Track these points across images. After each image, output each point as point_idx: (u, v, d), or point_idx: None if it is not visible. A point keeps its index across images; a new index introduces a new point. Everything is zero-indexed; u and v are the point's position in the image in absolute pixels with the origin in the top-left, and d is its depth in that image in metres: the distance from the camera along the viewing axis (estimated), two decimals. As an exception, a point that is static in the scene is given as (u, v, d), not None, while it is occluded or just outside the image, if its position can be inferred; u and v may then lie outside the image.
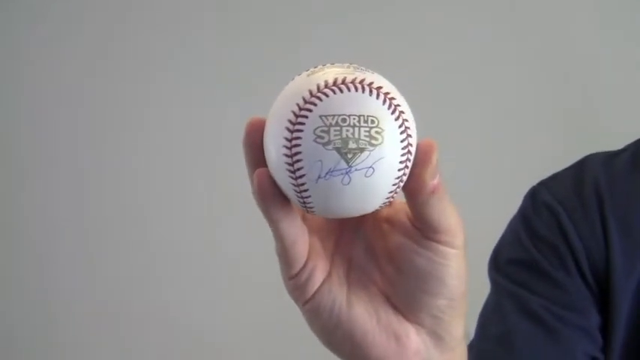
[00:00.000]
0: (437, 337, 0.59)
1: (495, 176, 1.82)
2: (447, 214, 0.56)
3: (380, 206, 0.55)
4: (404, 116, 0.54)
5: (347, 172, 0.53)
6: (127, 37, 1.97)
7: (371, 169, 0.53)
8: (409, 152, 0.54)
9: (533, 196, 0.98)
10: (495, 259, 0.99)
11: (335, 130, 0.52)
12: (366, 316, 0.58)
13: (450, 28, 1.86)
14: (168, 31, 1.95)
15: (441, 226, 0.56)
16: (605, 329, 0.92)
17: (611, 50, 1.79)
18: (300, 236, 0.57)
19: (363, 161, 0.52)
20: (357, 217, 0.57)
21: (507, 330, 0.93)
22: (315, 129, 0.52)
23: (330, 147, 0.52)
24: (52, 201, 2.01)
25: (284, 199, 0.55)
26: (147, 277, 1.98)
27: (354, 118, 0.52)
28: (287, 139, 0.53)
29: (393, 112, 0.53)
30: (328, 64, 0.55)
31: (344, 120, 0.52)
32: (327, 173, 0.53)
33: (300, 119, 0.53)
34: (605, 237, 0.93)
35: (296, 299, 0.59)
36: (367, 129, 0.52)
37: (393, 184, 0.54)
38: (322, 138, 0.52)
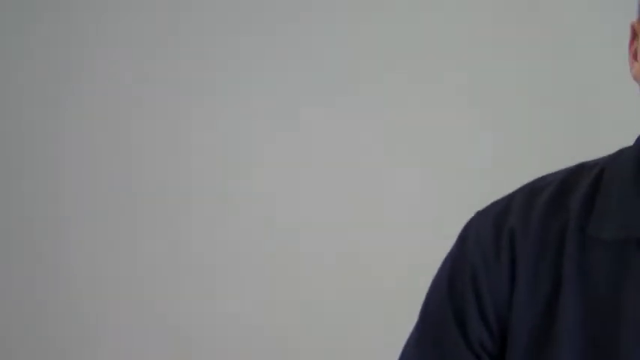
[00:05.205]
0: None
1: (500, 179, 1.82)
2: None
3: None
4: None
5: None
6: (124, 37, 1.98)
7: None
8: None
9: (466, 227, 0.98)
10: None
11: None
12: None
13: (449, 26, 1.87)
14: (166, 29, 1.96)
15: None
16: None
17: (607, 47, 1.79)
18: None
19: None
20: None
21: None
22: None
23: None
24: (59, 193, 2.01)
25: None
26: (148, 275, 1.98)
27: None
28: None
29: None
30: None
31: None
32: None
33: None
34: (512, 290, 0.91)
35: None
36: None
37: None
38: None
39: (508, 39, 1.84)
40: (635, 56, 0.95)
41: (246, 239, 1.92)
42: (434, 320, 0.96)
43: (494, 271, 0.92)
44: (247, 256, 1.92)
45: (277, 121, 1.92)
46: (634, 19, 0.99)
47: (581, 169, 0.97)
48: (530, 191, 0.96)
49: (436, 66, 1.86)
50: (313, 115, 1.91)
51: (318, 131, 1.90)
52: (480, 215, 0.97)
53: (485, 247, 0.93)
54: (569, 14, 1.82)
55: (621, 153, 0.96)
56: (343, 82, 1.89)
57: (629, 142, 0.99)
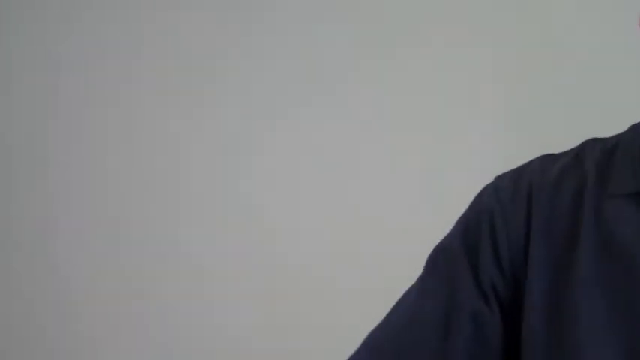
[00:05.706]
0: None
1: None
2: None
3: None
4: None
5: None
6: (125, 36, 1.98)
7: None
8: None
9: (484, 187, 1.01)
10: None
11: None
12: None
13: (449, 26, 1.87)
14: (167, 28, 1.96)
15: None
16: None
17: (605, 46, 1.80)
18: None
19: None
20: None
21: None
22: None
23: None
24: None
25: None
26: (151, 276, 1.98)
27: None
28: None
29: None
30: None
31: None
32: None
33: None
34: (526, 249, 0.94)
35: None
36: None
37: None
38: None
39: (508, 38, 1.85)
40: None
41: (246, 239, 1.92)
42: (444, 260, 0.98)
43: (511, 217, 0.95)
44: (246, 256, 1.92)
45: (277, 121, 1.92)
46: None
47: (596, 141, 1.01)
48: (548, 157, 1.01)
49: (436, 67, 1.86)
50: (314, 115, 1.91)
51: (318, 131, 1.90)
52: (497, 177, 1.01)
53: (502, 197, 0.97)
54: (568, 13, 1.82)
55: (633, 128, 1.00)
56: (343, 81, 1.89)
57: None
